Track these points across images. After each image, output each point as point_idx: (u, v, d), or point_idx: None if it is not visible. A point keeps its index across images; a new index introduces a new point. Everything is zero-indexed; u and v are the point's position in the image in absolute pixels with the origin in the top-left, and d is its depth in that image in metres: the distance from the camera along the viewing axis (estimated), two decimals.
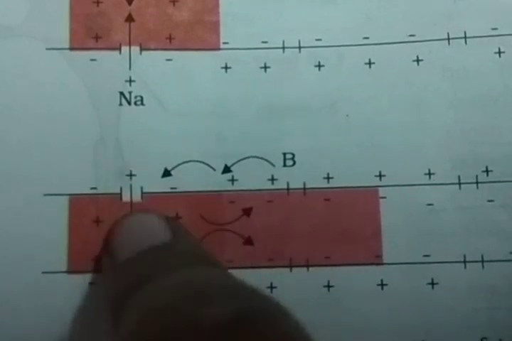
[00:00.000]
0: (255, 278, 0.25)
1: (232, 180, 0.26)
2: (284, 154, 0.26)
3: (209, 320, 0.17)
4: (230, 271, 0.23)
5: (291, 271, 0.25)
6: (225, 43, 0.26)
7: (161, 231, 0.23)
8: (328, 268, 0.25)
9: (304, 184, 0.26)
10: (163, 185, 0.26)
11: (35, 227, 0.25)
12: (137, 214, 0.25)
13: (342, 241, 0.26)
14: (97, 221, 0.25)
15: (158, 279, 0.21)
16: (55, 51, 0.26)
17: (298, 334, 0.19)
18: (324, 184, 0.26)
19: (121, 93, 0.26)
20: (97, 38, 0.26)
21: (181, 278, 0.20)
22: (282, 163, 0.26)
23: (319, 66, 0.26)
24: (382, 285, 0.25)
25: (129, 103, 0.26)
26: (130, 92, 0.26)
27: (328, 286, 0.25)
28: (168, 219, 0.24)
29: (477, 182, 0.26)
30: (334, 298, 0.25)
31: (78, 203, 0.25)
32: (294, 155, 0.26)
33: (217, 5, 0.27)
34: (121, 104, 0.26)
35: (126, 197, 0.25)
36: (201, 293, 0.19)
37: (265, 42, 0.26)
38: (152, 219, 0.24)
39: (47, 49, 0.26)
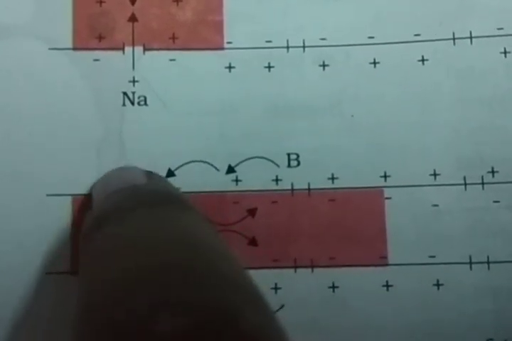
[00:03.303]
0: (259, 278, 0.24)
1: (236, 181, 0.26)
2: (289, 154, 0.26)
3: (160, 329, 0.16)
4: None
5: (295, 271, 0.25)
6: (228, 43, 0.26)
7: (135, 176, 0.23)
8: (333, 269, 0.25)
9: (309, 184, 0.26)
10: None
11: (38, 228, 0.25)
12: (116, 168, 0.25)
13: (347, 242, 0.25)
14: None
15: (117, 217, 0.20)
16: (58, 51, 0.26)
17: (263, 331, 0.17)
18: (329, 184, 0.26)
19: (125, 93, 0.26)
20: (100, 37, 0.26)
21: (140, 222, 0.19)
22: (287, 164, 0.26)
23: (324, 65, 0.26)
24: (387, 286, 0.25)
25: (133, 103, 0.26)
26: (133, 92, 0.26)
27: (333, 287, 0.25)
28: (147, 172, 0.24)
29: (483, 183, 0.26)
30: (339, 299, 0.25)
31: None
32: (298, 155, 0.26)
33: (220, 4, 0.26)
34: (124, 104, 0.26)
35: None
36: (161, 275, 0.17)
37: (269, 41, 0.26)
38: (129, 168, 0.24)
39: (50, 49, 0.26)
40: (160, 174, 0.25)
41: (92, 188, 0.25)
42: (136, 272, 0.18)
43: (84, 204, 0.25)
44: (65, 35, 0.26)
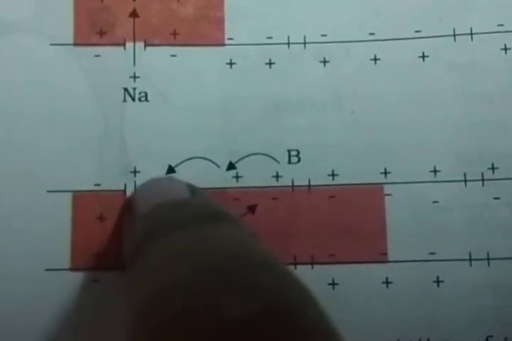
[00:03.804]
0: None
1: (237, 177, 0.26)
2: (289, 151, 0.26)
3: (228, 312, 0.16)
4: None
5: (295, 268, 0.25)
6: (229, 39, 0.26)
7: (181, 190, 0.23)
8: (333, 265, 0.25)
9: (309, 181, 0.26)
10: None
11: (38, 224, 0.25)
12: (158, 178, 0.25)
13: (347, 238, 0.25)
14: (101, 218, 0.25)
15: (175, 233, 0.20)
16: (59, 47, 0.26)
17: (322, 326, 0.18)
18: (329, 181, 0.26)
19: (126, 89, 0.26)
20: (101, 33, 0.26)
21: (199, 237, 0.20)
22: (287, 160, 0.26)
23: (324, 62, 0.26)
24: (387, 282, 0.25)
25: (133, 99, 0.26)
26: (134, 88, 0.26)
27: (333, 284, 0.25)
28: (189, 184, 0.24)
29: (483, 180, 0.26)
30: (339, 296, 0.25)
31: (82, 200, 0.25)
32: (298, 152, 0.26)
33: (221, 0, 0.26)
34: (125, 100, 0.26)
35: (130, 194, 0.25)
36: (224, 272, 0.18)
37: (270, 37, 0.26)
38: (173, 180, 0.24)
39: (51, 44, 0.26)
40: (160, 171, 0.25)
41: (136, 194, 0.24)
42: (197, 272, 0.18)
43: (125, 208, 0.25)
44: (66, 31, 0.26)
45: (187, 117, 0.26)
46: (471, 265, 0.25)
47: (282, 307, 0.17)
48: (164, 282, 0.18)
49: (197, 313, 0.17)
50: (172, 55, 0.26)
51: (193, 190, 0.23)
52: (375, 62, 0.26)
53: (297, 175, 0.26)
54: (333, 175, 0.26)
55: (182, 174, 0.25)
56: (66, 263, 0.25)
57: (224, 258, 0.19)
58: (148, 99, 0.26)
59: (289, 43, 0.26)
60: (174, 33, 0.26)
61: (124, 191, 0.25)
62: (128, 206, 0.24)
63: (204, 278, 0.18)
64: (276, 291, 0.18)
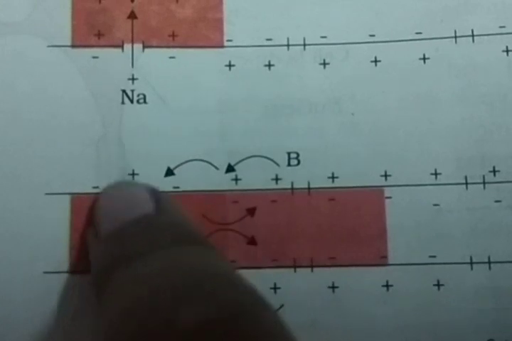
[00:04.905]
0: (259, 278, 0.25)
1: (236, 180, 0.26)
2: (289, 153, 0.26)
3: (184, 321, 0.17)
4: None
5: (295, 271, 0.25)
6: (228, 41, 0.26)
7: (143, 203, 0.23)
8: (333, 268, 0.25)
9: (309, 183, 0.26)
10: (166, 184, 0.25)
11: (36, 227, 0.25)
12: (118, 187, 0.24)
13: (347, 241, 0.25)
14: None
15: (140, 259, 0.20)
16: (56, 48, 0.26)
17: (278, 335, 0.18)
18: (329, 184, 0.26)
19: (124, 91, 0.26)
20: (99, 35, 0.26)
21: (161, 263, 0.20)
22: (287, 163, 0.26)
23: (324, 64, 0.26)
24: (387, 286, 0.25)
25: (132, 101, 0.26)
26: (133, 90, 0.26)
27: (333, 287, 0.25)
28: (152, 191, 0.24)
29: (484, 183, 0.26)
30: (339, 299, 0.25)
31: (80, 202, 0.25)
32: (298, 154, 0.26)
33: (220, 2, 0.26)
34: (123, 103, 0.26)
35: None
36: (179, 289, 0.18)
37: (269, 39, 0.26)
38: (134, 190, 0.24)
39: (48, 46, 0.26)
40: (159, 173, 0.25)
41: (99, 208, 0.24)
42: (153, 293, 0.19)
43: (87, 224, 0.25)
44: (64, 33, 0.26)
45: (186, 119, 0.26)
46: (472, 268, 0.25)
47: (236, 317, 0.17)
48: (124, 305, 0.19)
49: (152, 329, 0.17)
50: (171, 57, 0.26)
51: (157, 198, 0.23)
52: (376, 64, 0.26)
53: (297, 178, 0.26)
54: (333, 177, 0.26)
55: (180, 176, 0.25)
56: (65, 265, 0.25)
57: (182, 276, 0.19)
58: (147, 101, 0.26)
59: (288, 45, 0.26)
60: (173, 35, 0.26)
61: None
62: (90, 222, 0.24)
63: (160, 296, 0.18)
64: (230, 302, 0.18)
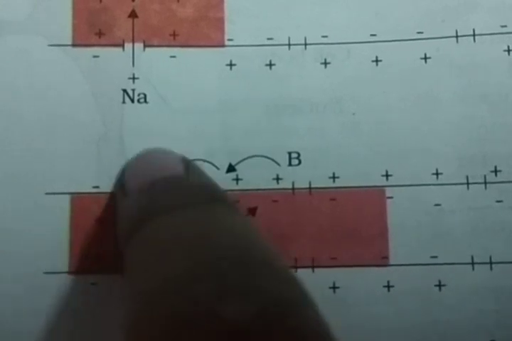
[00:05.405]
0: None
1: (237, 180, 0.25)
2: (290, 153, 0.26)
3: (227, 316, 0.17)
4: None
5: (296, 271, 0.25)
6: (229, 40, 0.26)
7: (173, 165, 0.23)
8: (334, 269, 0.25)
9: (310, 183, 0.26)
10: None
11: (36, 226, 0.25)
12: (150, 151, 0.24)
13: (348, 241, 0.25)
14: (100, 220, 0.25)
15: (170, 216, 0.20)
16: (57, 47, 0.26)
17: (318, 328, 0.18)
18: (330, 183, 0.26)
19: (125, 90, 0.26)
20: (100, 34, 0.26)
21: (195, 223, 0.20)
22: (288, 162, 0.26)
23: (325, 63, 0.26)
24: (388, 286, 0.25)
25: (132, 100, 0.26)
26: (133, 90, 0.26)
27: (334, 287, 0.25)
28: (183, 157, 0.24)
29: (485, 183, 0.25)
30: (340, 300, 0.25)
31: (80, 202, 0.25)
32: (299, 154, 0.26)
33: (221, 1, 0.26)
34: (124, 102, 0.26)
35: None
36: (219, 272, 0.18)
37: (270, 39, 0.26)
38: (167, 153, 0.24)
39: (49, 45, 0.26)
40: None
41: (124, 171, 0.24)
42: (196, 266, 0.18)
43: (116, 187, 0.25)
44: (65, 32, 0.26)
45: (186, 119, 0.26)
46: (473, 269, 0.25)
47: (279, 310, 0.17)
48: (162, 278, 0.18)
49: (196, 316, 0.17)
50: (171, 56, 0.26)
51: (187, 163, 0.23)
52: (377, 64, 0.26)
53: (298, 178, 0.26)
54: (334, 177, 0.26)
55: None
56: (64, 266, 0.25)
57: (222, 255, 0.19)
58: (148, 100, 0.26)
59: (289, 44, 0.26)
60: (174, 34, 0.26)
61: None
62: (118, 182, 0.24)
63: (203, 278, 0.18)
64: (274, 293, 0.18)
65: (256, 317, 0.17)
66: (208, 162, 0.25)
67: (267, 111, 0.26)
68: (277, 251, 0.20)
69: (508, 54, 0.26)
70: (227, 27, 0.26)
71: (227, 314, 0.17)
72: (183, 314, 0.17)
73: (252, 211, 0.25)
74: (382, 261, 0.25)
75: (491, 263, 0.25)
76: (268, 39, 0.26)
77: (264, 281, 0.18)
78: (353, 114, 0.26)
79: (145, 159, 0.24)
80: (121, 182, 0.24)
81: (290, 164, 0.26)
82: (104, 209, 0.25)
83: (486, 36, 0.26)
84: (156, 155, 0.24)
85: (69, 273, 0.25)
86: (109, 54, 0.26)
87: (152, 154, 0.24)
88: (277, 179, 0.26)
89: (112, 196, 0.25)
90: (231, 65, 0.26)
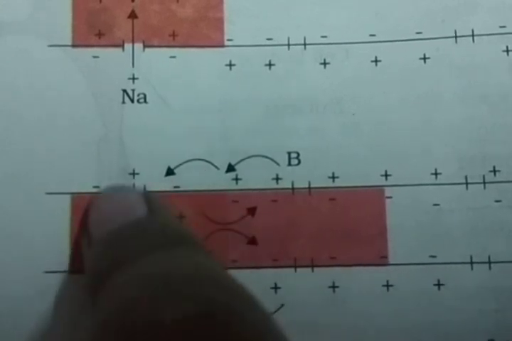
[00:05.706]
0: (259, 278, 0.25)
1: (236, 179, 0.26)
2: (289, 153, 0.26)
3: (168, 317, 0.17)
4: (233, 271, 0.22)
5: (295, 271, 0.25)
6: (229, 40, 0.26)
7: (136, 207, 0.23)
8: (334, 268, 0.25)
9: (309, 183, 0.26)
10: (167, 184, 0.25)
11: (37, 226, 0.25)
12: (111, 191, 0.24)
13: (347, 241, 0.25)
14: None
15: (130, 264, 0.20)
16: (57, 48, 0.26)
17: (259, 330, 0.18)
18: (329, 183, 0.26)
19: (125, 90, 0.26)
20: (99, 34, 0.26)
21: (150, 267, 0.20)
22: (287, 162, 0.26)
23: (325, 63, 0.26)
24: (387, 286, 0.25)
25: (132, 101, 0.26)
26: (133, 90, 0.26)
27: (333, 287, 0.25)
28: (144, 195, 0.23)
29: (484, 183, 0.25)
30: (339, 299, 0.25)
31: (80, 202, 0.25)
32: (298, 154, 0.26)
33: (221, 1, 0.26)
34: (124, 102, 0.26)
35: None
36: (164, 290, 0.19)
37: (270, 39, 0.26)
38: (127, 194, 0.24)
39: (49, 46, 0.26)
40: (163, 172, 0.25)
41: (87, 216, 0.24)
42: (147, 295, 0.19)
43: (80, 231, 0.24)
44: (65, 32, 0.26)
45: (186, 119, 0.26)
46: (472, 268, 0.25)
47: (218, 315, 0.18)
48: (115, 306, 0.19)
49: (138, 329, 0.18)
50: (171, 57, 0.26)
51: (149, 201, 0.23)
52: (376, 64, 0.26)
53: (297, 178, 0.26)
54: (333, 177, 0.26)
55: (181, 176, 0.25)
56: (65, 265, 0.25)
57: (169, 278, 0.19)
58: (147, 100, 0.26)
59: (289, 44, 0.26)
60: (173, 34, 0.26)
61: None
62: (83, 227, 0.24)
63: (146, 297, 0.19)
64: (214, 300, 0.18)
65: (190, 319, 0.17)
66: (207, 162, 0.26)
67: (266, 111, 0.26)
68: (240, 285, 0.20)
69: (507, 54, 0.26)
70: (227, 27, 0.26)
71: (162, 315, 0.17)
72: (134, 325, 0.18)
73: (252, 211, 0.25)
74: (382, 260, 0.25)
75: (489, 262, 0.25)
76: (268, 39, 0.26)
77: (207, 291, 0.19)
78: (353, 114, 0.26)
79: (107, 200, 0.24)
80: (85, 227, 0.24)
81: (290, 164, 0.26)
82: None
83: (485, 37, 0.26)
84: (118, 196, 0.24)
85: (69, 272, 0.25)
86: (108, 54, 0.26)
87: (114, 194, 0.24)
88: (277, 179, 0.26)
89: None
90: (231, 65, 0.26)
